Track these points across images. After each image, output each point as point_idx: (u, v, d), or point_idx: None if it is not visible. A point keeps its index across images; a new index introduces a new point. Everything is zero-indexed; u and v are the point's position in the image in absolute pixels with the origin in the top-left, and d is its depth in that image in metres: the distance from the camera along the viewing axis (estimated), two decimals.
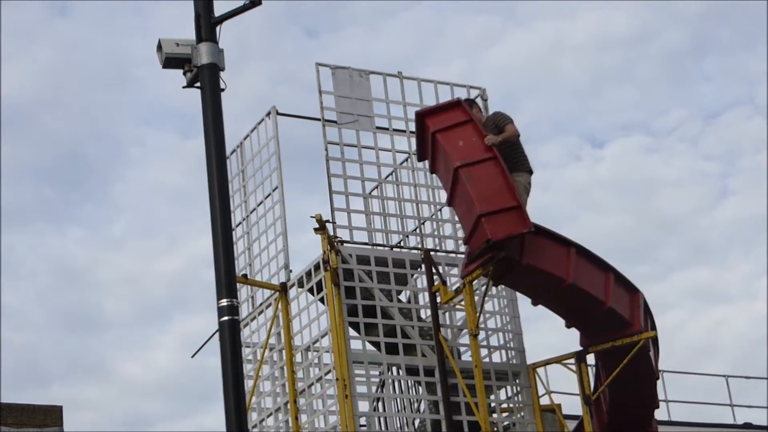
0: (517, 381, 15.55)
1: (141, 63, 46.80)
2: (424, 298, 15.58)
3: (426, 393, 15.08)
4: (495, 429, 15.09)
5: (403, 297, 15.91)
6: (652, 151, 49.79)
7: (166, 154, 50.07)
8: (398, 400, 15.99)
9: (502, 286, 15.51)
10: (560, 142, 50.82)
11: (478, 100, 16.49)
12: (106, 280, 46.12)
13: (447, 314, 15.58)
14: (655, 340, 15.18)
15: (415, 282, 15.90)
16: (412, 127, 15.18)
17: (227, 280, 10.20)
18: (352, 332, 14.94)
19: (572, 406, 16.41)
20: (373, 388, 15.32)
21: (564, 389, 16.86)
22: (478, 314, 14.63)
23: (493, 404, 15.30)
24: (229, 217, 10.55)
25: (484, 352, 15.39)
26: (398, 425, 15.49)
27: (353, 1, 47.76)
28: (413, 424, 15.35)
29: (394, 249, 15.84)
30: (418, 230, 16.16)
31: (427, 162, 15.04)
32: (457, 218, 15.16)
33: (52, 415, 19.09)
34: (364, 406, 14.92)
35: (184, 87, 11.00)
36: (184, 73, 10.97)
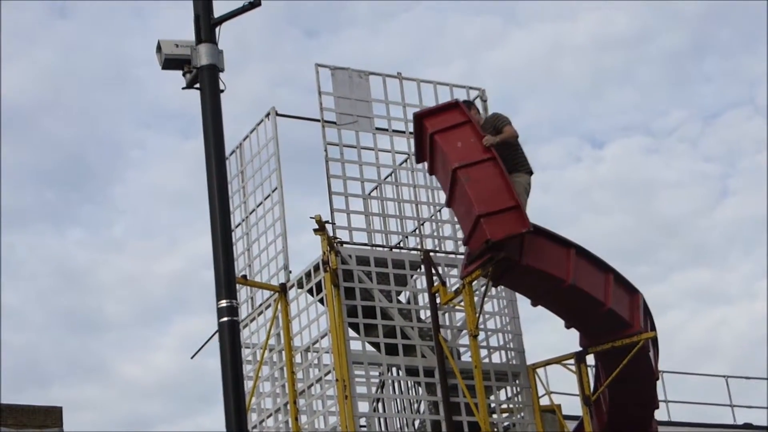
0: (517, 382, 15.56)
1: (141, 64, 46.77)
2: (423, 298, 15.59)
3: (426, 394, 15.09)
4: (495, 430, 15.09)
5: (402, 298, 15.92)
6: (652, 151, 49.79)
7: (165, 155, 50.06)
8: (398, 400, 16.00)
9: (502, 287, 15.52)
10: (560, 142, 50.81)
11: (478, 102, 16.51)
12: (106, 281, 46.11)
13: (447, 315, 15.58)
14: (655, 340, 15.18)
15: (414, 283, 15.91)
16: (412, 128, 15.18)
17: (227, 281, 10.21)
18: (351, 333, 14.94)
19: (572, 406, 16.44)
20: (373, 389, 15.32)
21: (564, 390, 16.89)
22: (477, 315, 14.64)
23: (493, 405, 15.31)
24: (228, 218, 10.56)
25: (483, 352, 15.40)
26: (398, 426, 15.50)
27: (353, 1, 47.75)
28: (413, 424, 15.36)
29: (394, 250, 15.85)
30: (417, 231, 16.16)
31: (425, 163, 15.05)
32: (456, 219, 15.17)
33: (52, 415, 19.07)
34: (363, 406, 14.93)
35: (183, 88, 11.01)
36: (184, 75, 10.98)
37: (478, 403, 14.28)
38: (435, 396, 14.84)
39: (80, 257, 46.19)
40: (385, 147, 16.03)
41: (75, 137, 48.10)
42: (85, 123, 47.58)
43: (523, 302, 15.51)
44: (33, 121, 46.06)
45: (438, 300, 15.08)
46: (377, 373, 15.42)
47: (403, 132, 16.18)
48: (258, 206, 16.33)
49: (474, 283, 14.66)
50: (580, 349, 15.21)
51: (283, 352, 15.51)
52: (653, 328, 15.22)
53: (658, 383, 15.89)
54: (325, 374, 14.84)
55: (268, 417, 16.01)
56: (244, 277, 16.06)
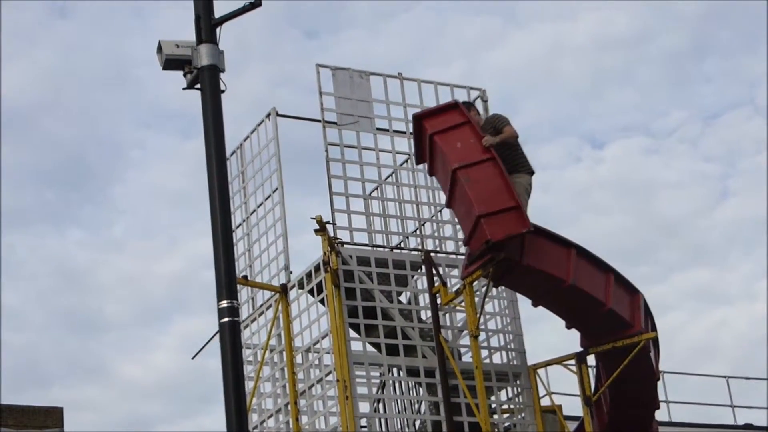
0: (518, 382, 15.55)
1: (141, 64, 46.84)
2: (424, 299, 15.59)
3: (426, 394, 15.09)
4: (496, 430, 15.09)
5: (403, 298, 15.92)
6: (653, 152, 49.83)
7: (166, 156, 50.12)
8: (399, 401, 15.99)
9: (503, 287, 15.52)
10: (560, 143, 50.86)
11: (479, 102, 16.51)
12: (106, 281, 46.16)
13: (447, 315, 15.58)
14: (655, 341, 15.18)
15: (415, 283, 15.91)
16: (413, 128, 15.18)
17: (227, 281, 10.21)
18: (352, 333, 14.94)
19: (573, 407, 16.44)
20: (374, 390, 15.32)
21: (564, 390, 16.88)
22: (478, 315, 14.64)
23: (493, 405, 15.30)
24: (229, 219, 10.55)
25: (484, 353, 15.40)
26: (399, 426, 15.50)
27: (353, 1, 47.78)
28: (414, 425, 15.35)
29: (395, 250, 15.85)
30: (418, 231, 16.16)
31: (425, 164, 15.04)
32: (456, 219, 15.16)
33: (53, 416, 19.08)
34: (364, 407, 14.93)
35: (184, 88, 11.02)
36: (185, 75, 10.98)
37: (478, 403, 14.27)
38: (436, 396, 14.84)
39: (80, 257, 46.25)
40: (386, 147, 16.04)
41: (75, 137, 48.15)
42: (86, 123, 47.63)
43: (523, 302, 15.52)
44: (33, 121, 46.11)
45: (439, 300, 15.08)
46: (378, 374, 15.42)
47: (404, 132, 16.17)
48: (259, 207, 16.33)
49: (475, 283, 14.66)
50: (581, 349, 15.21)
51: (284, 353, 15.50)
52: (654, 329, 15.22)
53: (659, 383, 15.87)
54: (326, 375, 14.84)
55: (269, 417, 16.00)
56: (245, 277, 16.06)
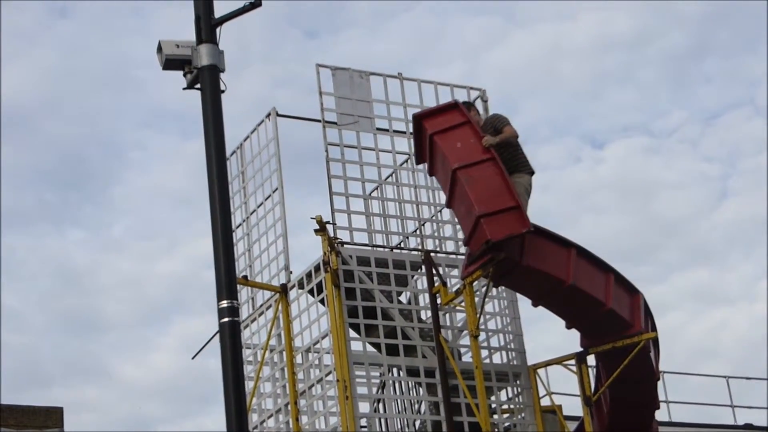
0: (518, 382, 15.55)
1: (141, 64, 46.84)
2: (424, 299, 15.59)
3: (426, 394, 15.09)
4: (496, 430, 15.09)
5: (403, 298, 15.92)
6: (653, 152, 49.81)
7: (166, 156, 50.11)
8: (399, 401, 15.99)
9: (503, 288, 15.52)
10: (560, 143, 50.86)
11: (479, 102, 16.51)
12: (106, 281, 46.15)
13: (447, 315, 15.58)
14: (655, 341, 15.18)
15: (415, 283, 15.91)
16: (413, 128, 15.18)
17: (227, 281, 10.21)
18: (352, 333, 14.94)
19: (573, 407, 16.44)
20: (374, 390, 15.32)
21: (565, 390, 16.89)
22: (478, 315, 14.64)
23: (493, 405, 15.30)
24: (229, 219, 10.55)
25: (484, 353, 15.40)
26: (399, 426, 15.50)
27: (353, 1, 47.78)
28: (414, 425, 15.35)
29: (395, 250, 15.85)
30: (418, 231, 16.16)
31: (425, 164, 15.04)
32: (457, 219, 15.16)
33: (53, 416, 19.09)
34: (364, 407, 14.93)
35: (184, 89, 11.02)
36: (185, 75, 10.98)
37: (478, 403, 14.27)
38: (436, 396, 14.84)
39: (80, 258, 46.25)
40: (386, 147, 16.04)
41: (75, 137, 48.16)
42: (86, 123, 47.64)
43: (523, 303, 15.52)
44: (33, 121, 46.10)
45: (439, 300, 15.08)
46: (378, 374, 15.42)
47: (404, 132, 16.17)
48: (259, 207, 16.33)
49: (475, 283, 14.66)
50: (581, 349, 15.21)
51: (284, 353, 15.50)
52: (654, 329, 15.22)
53: (659, 383, 15.88)
54: (326, 375, 14.84)
55: (269, 417, 16.01)
56: (245, 277, 16.06)
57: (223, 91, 10.81)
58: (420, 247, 15.77)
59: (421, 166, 15.71)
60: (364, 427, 14.78)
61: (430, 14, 48.64)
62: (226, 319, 10.11)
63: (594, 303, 14.48)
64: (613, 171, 48.57)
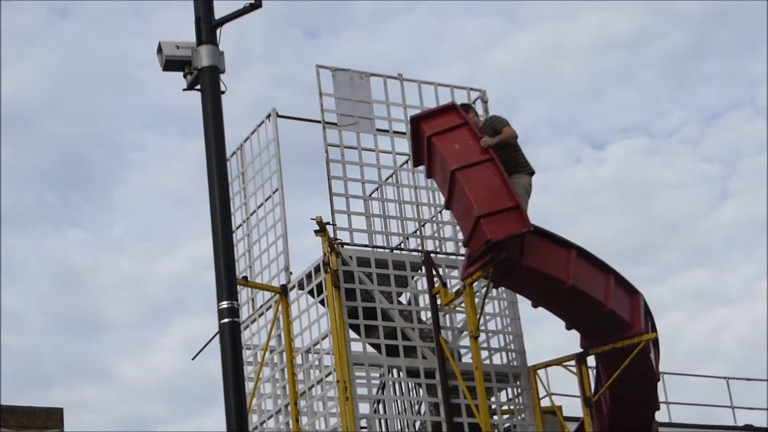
0: (518, 383, 15.56)
1: (141, 65, 46.83)
2: (424, 300, 15.59)
3: (426, 395, 15.09)
4: (496, 431, 15.10)
5: (403, 299, 15.92)
6: (653, 152, 49.79)
7: (166, 157, 50.09)
8: (399, 402, 16.00)
9: (503, 288, 15.52)
10: (560, 144, 50.82)
11: (479, 103, 16.52)
12: (106, 282, 46.11)
13: (447, 316, 15.58)
14: (655, 341, 15.18)
15: (415, 284, 15.91)
16: None
17: (227, 282, 10.21)
18: (352, 334, 14.94)
19: (573, 407, 16.44)
20: (374, 390, 15.33)
21: (565, 391, 16.88)
22: (478, 316, 14.64)
23: (493, 406, 15.30)
24: (229, 220, 10.55)
25: (484, 354, 15.40)
26: (399, 427, 15.50)
27: (353, 2, 47.79)
28: (414, 426, 15.36)
29: (395, 251, 15.85)
30: (418, 232, 16.17)
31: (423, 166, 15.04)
32: (456, 221, 15.16)
33: (53, 417, 19.07)
34: (364, 408, 14.94)
35: (184, 90, 11.01)
36: (185, 76, 10.98)
37: (478, 404, 14.28)
38: (436, 397, 14.84)
39: (80, 258, 46.22)
40: (386, 148, 16.05)
41: (75, 138, 48.14)
42: (86, 124, 47.62)
43: (523, 303, 15.52)
44: (33, 122, 46.10)
45: (439, 301, 15.09)
46: (378, 375, 15.43)
47: (404, 133, 16.18)
48: (259, 207, 16.33)
49: (475, 284, 14.66)
50: (581, 350, 15.21)
51: (284, 354, 15.51)
52: (654, 330, 15.22)
53: (659, 384, 15.88)
54: (326, 376, 14.84)
55: (269, 418, 16.01)
56: (245, 278, 16.06)
57: (223, 92, 10.81)
58: (420, 248, 15.77)
59: (421, 167, 15.71)
60: (364, 428, 14.79)
61: (430, 15, 48.66)
62: (226, 320, 10.11)
63: (594, 304, 14.48)
64: (614, 171, 48.57)
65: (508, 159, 14.18)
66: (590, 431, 15.02)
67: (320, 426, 15.06)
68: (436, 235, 16.20)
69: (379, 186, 16.30)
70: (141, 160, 49.56)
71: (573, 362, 15.26)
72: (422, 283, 15.65)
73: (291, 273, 15.54)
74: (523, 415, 15.45)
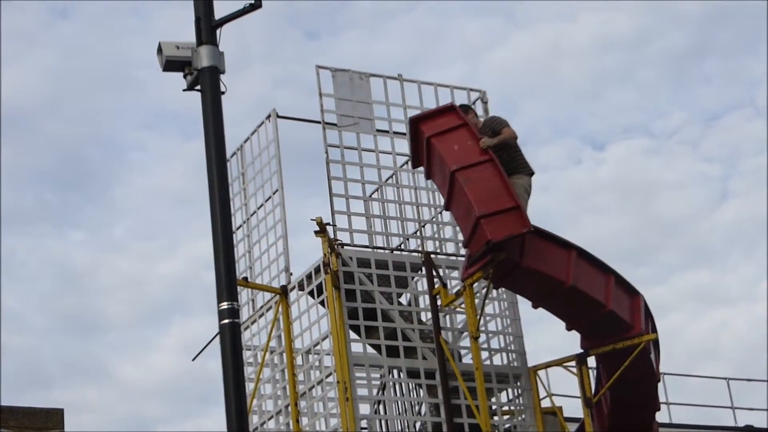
0: (518, 383, 15.55)
1: (141, 65, 46.85)
2: (424, 300, 15.58)
3: (427, 396, 15.08)
4: (496, 431, 15.09)
5: (403, 300, 15.92)
6: (653, 153, 49.80)
7: (166, 157, 50.10)
8: (399, 402, 15.99)
9: (503, 289, 15.52)
10: (561, 144, 50.84)
11: (479, 103, 16.51)
12: (106, 282, 46.13)
13: (447, 317, 15.57)
14: (656, 342, 15.18)
15: (415, 285, 15.90)
16: None
17: (228, 282, 10.20)
18: (352, 335, 14.94)
19: (573, 408, 16.43)
20: (374, 391, 15.32)
21: (565, 392, 16.87)
22: (478, 317, 14.63)
23: (494, 407, 15.30)
24: (229, 220, 10.55)
25: (484, 354, 15.40)
26: (399, 428, 15.49)
27: (354, 2, 47.80)
28: (414, 426, 15.35)
29: (395, 252, 15.84)
30: (418, 233, 16.16)
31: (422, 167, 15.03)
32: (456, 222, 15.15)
33: (54, 417, 19.09)
34: (365, 408, 14.93)
35: (184, 90, 11.01)
36: (185, 76, 10.97)
37: (479, 405, 14.27)
38: (436, 398, 14.83)
39: (81, 259, 46.23)
40: (386, 149, 16.04)
41: (76, 138, 48.16)
42: (86, 124, 47.64)
43: (524, 304, 15.51)
44: (34, 122, 46.11)
45: (439, 302, 15.08)
46: (378, 375, 15.42)
47: (404, 134, 16.17)
48: (259, 208, 16.33)
49: (475, 285, 14.66)
50: (581, 350, 15.21)
51: (284, 354, 15.50)
52: (654, 330, 15.22)
53: (660, 385, 15.87)
54: (326, 376, 14.84)
55: (270, 419, 16.01)
56: (245, 279, 16.06)
57: (223, 93, 10.81)
58: (420, 249, 15.77)
59: (420, 168, 15.71)
60: (365, 428, 14.79)
61: (430, 15, 48.68)
62: (226, 321, 10.10)
63: (594, 304, 14.48)
64: (614, 172, 48.59)
65: (507, 160, 14.18)
66: None
67: (320, 427, 15.06)
68: (436, 235, 16.20)
69: (379, 187, 16.30)
70: (141, 160, 49.60)
71: (573, 363, 15.26)
72: (422, 284, 15.64)
73: (291, 274, 15.53)
74: (523, 416, 15.45)
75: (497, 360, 15.67)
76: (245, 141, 16.68)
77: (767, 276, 45.29)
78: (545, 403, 15.68)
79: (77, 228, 49.18)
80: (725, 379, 23.48)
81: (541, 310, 14.81)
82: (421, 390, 15.35)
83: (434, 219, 16.24)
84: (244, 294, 16.42)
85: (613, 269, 14.78)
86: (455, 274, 15.54)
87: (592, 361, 15.39)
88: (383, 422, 15.36)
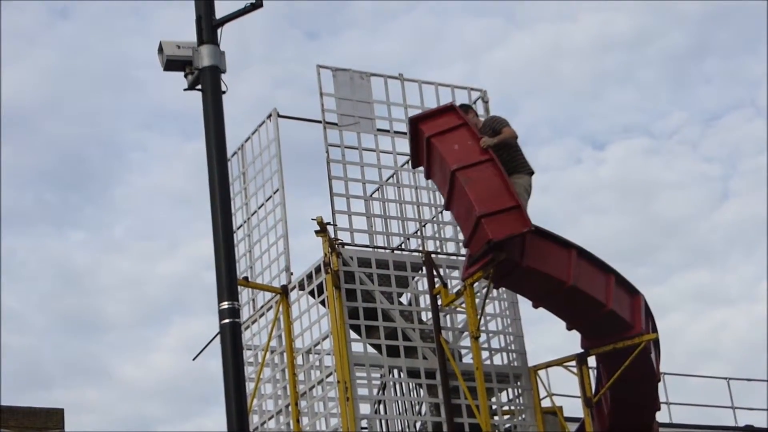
0: (519, 383, 15.55)
1: (142, 65, 46.81)
2: (425, 300, 15.58)
3: (427, 395, 15.08)
4: (496, 431, 15.09)
5: (404, 299, 15.92)
6: (653, 153, 49.78)
7: (167, 157, 50.08)
8: (399, 402, 16.00)
9: (503, 289, 15.52)
10: (561, 144, 50.82)
11: (479, 103, 16.51)
12: (106, 282, 46.09)
13: (448, 317, 15.57)
14: (656, 342, 15.18)
15: (416, 284, 15.90)
16: None
17: (228, 282, 10.20)
18: (353, 335, 14.94)
19: (574, 408, 16.43)
20: (375, 391, 15.32)
21: (565, 391, 16.87)
22: (479, 317, 14.63)
23: (494, 407, 15.30)
24: (230, 220, 10.55)
25: (485, 354, 15.40)
26: (399, 428, 15.49)
27: (354, 2, 47.80)
28: (414, 426, 15.35)
29: (395, 251, 15.84)
30: (419, 232, 16.16)
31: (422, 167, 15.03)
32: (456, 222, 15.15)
33: (54, 418, 19.07)
34: (365, 408, 14.93)
35: (185, 90, 11.00)
36: (186, 76, 10.97)
37: (479, 404, 14.27)
38: (436, 398, 14.83)
39: (81, 259, 46.19)
40: (387, 148, 16.04)
41: (76, 138, 48.13)
42: (86, 124, 47.62)
43: (524, 304, 15.51)
44: (34, 122, 46.09)
45: (439, 302, 15.08)
46: (379, 375, 15.42)
47: (405, 133, 16.16)
48: (259, 208, 16.33)
49: (475, 284, 14.65)
50: (582, 350, 15.21)
51: (285, 354, 15.50)
52: (654, 330, 15.22)
53: (660, 385, 15.88)
54: (327, 376, 14.84)
55: (270, 419, 16.00)
56: (246, 278, 16.05)
57: (224, 92, 10.81)
58: (421, 249, 15.77)
59: (420, 168, 15.71)
60: (365, 428, 14.78)
61: (430, 15, 48.65)
62: (226, 321, 10.10)
63: (595, 304, 14.48)
64: (614, 172, 48.56)
65: (507, 159, 14.18)
66: None
67: (321, 426, 15.06)
68: (436, 235, 16.20)
69: (379, 186, 16.30)
70: (141, 160, 49.55)
71: (574, 363, 15.26)
72: (423, 284, 15.64)
73: (292, 273, 15.53)
74: (523, 416, 15.45)
75: (497, 360, 15.68)
76: (246, 140, 16.68)
77: (767, 276, 45.30)
78: (545, 403, 15.68)
79: (77, 228, 49.16)
80: (725, 379, 23.50)
81: (541, 309, 14.82)
82: (421, 390, 15.35)
83: (435, 218, 16.24)
84: (244, 294, 16.42)
85: (614, 269, 14.78)
86: (456, 273, 15.53)
87: (592, 361, 15.40)
88: (383, 422, 15.36)
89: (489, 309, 15.58)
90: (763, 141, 44.11)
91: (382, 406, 15.71)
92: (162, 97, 45.79)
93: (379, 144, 15.94)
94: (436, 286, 15.11)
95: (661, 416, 16.29)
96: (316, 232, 14.70)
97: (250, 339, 16.38)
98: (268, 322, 15.93)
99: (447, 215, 16.05)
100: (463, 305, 14.69)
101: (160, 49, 10.94)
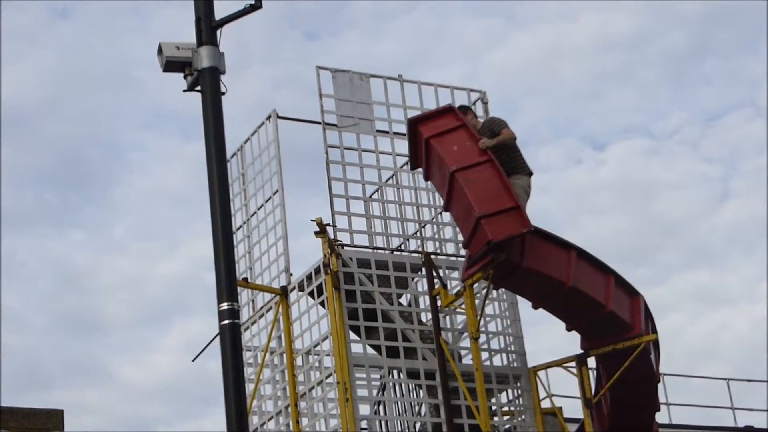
0: (518, 384, 15.55)
1: (142, 66, 46.82)
2: (424, 301, 15.59)
3: (427, 396, 15.08)
4: None
5: (403, 300, 15.92)
6: (653, 153, 49.78)
7: (166, 157, 50.07)
8: (399, 403, 15.99)
9: (503, 290, 15.52)
10: (561, 144, 50.82)
11: (479, 104, 16.52)
12: (106, 282, 46.09)
13: (448, 317, 15.58)
14: (656, 343, 15.18)
15: (415, 285, 15.90)
16: None
17: (228, 283, 10.20)
18: (352, 335, 14.94)
19: (573, 409, 16.44)
20: (374, 392, 15.32)
21: (565, 392, 16.88)
22: (478, 317, 14.64)
23: (494, 407, 15.30)
24: (229, 221, 10.55)
25: (484, 355, 15.40)
26: (399, 428, 15.50)
27: (354, 2, 47.81)
28: (414, 427, 15.35)
29: (395, 252, 15.85)
30: (418, 233, 16.17)
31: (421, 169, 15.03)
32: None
33: (54, 418, 19.07)
34: (365, 409, 14.93)
35: (184, 90, 11.00)
36: (185, 77, 10.97)
37: (479, 405, 14.27)
38: (436, 399, 14.83)
39: (81, 259, 46.19)
40: (386, 149, 16.04)
41: (76, 138, 48.13)
42: (86, 124, 47.62)
43: (524, 305, 15.51)
44: (34, 122, 46.09)
45: (439, 302, 15.08)
46: (378, 376, 15.42)
47: (404, 134, 16.15)
48: (259, 209, 16.33)
49: (475, 285, 14.66)
50: (582, 351, 15.21)
51: (284, 355, 15.51)
52: (654, 331, 15.22)
53: (660, 385, 15.88)
54: (326, 377, 14.85)
55: (270, 420, 16.01)
56: (246, 279, 16.06)
57: (223, 93, 10.80)
58: (420, 249, 15.77)
59: (420, 168, 15.71)
60: (365, 429, 14.78)
61: (430, 15, 48.65)
62: (226, 322, 10.10)
63: (594, 305, 14.48)
64: (614, 172, 48.55)
65: (506, 160, 14.19)
66: None
67: (320, 427, 15.07)
68: (436, 236, 16.20)
69: (379, 187, 16.30)
70: (141, 160, 49.55)
71: (573, 363, 15.26)
72: (422, 285, 15.64)
73: (291, 274, 15.54)
74: (523, 417, 15.45)
75: (497, 361, 15.69)
76: (245, 142, 16.69)
77: (767, 276, 45.30)
78: (545, 404, 15.68)
79: (77, 228, 49.15)
80: (725, 379, 23.48)
81: (541, 310, 14.82)
82: (421, 391, 15.35)
83: (434, 219, 16.24)
84: (244, 295, 16.43)
85: (613, 270, 14.79)
86: (455, 274, 15.54)
87: (592, 362, 15.40)
88: (383, 423, 15.36)
89: (489, 310, 15.58)
90: (763, 141, 44.14)
91: (381, 407, 15.71)
92: (162, 98, 45.82)
93: (379, 145, 15.96)
94: (436, 287, 15.11)
95: (660, 417, 16.29)
96: (316, 233, 14.71)
97: (250, 340, 16.38)
98: (268, 323, 15.93)
99: (446, 216, 16.05)
100: (463, 306, 14.69)
101: (160, 51, 10.94)
